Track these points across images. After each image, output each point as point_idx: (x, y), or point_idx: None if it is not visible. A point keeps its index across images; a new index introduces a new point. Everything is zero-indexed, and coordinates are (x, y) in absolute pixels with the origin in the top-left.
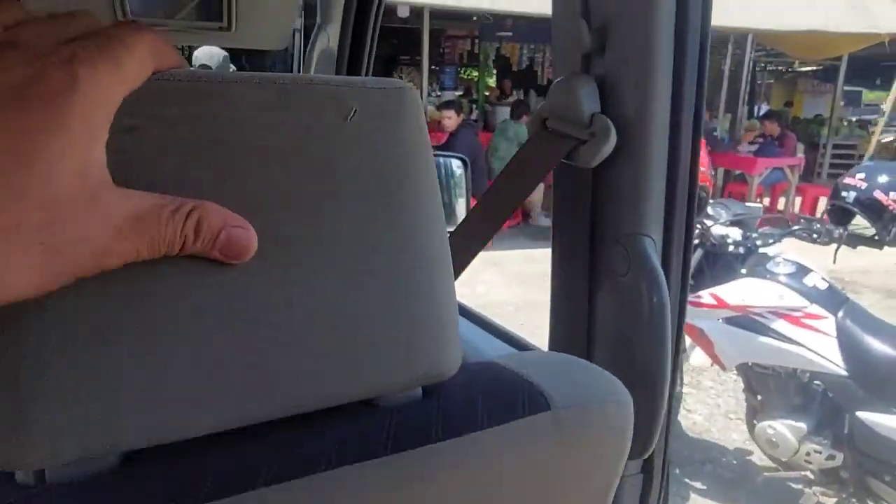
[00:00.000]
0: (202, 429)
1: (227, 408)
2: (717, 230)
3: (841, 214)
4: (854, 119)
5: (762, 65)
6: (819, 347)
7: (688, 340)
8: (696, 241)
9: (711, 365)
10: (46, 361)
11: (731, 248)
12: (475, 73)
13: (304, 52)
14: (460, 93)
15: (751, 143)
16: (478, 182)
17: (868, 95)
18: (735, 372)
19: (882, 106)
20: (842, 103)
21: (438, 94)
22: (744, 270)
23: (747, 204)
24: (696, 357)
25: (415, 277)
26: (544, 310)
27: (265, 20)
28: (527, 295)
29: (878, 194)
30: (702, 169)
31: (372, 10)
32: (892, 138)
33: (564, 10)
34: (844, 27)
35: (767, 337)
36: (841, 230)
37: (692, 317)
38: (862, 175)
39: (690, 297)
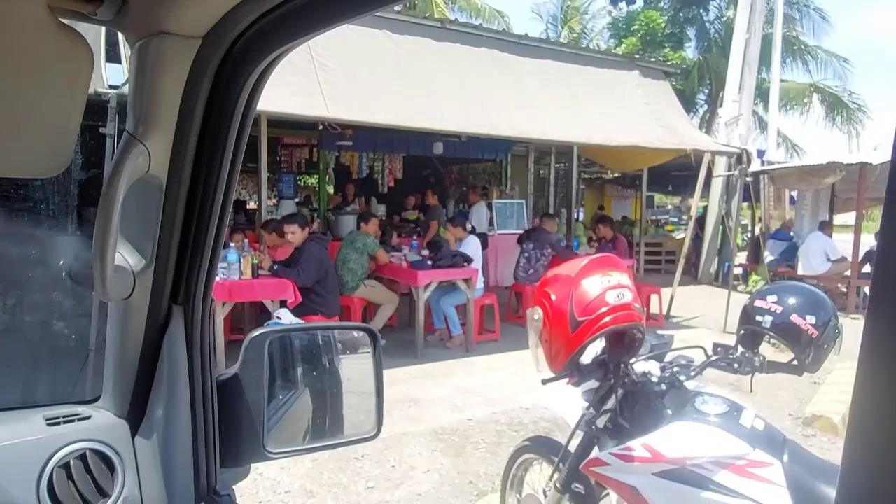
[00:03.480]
0: None
1: None
2: (639, 367)
3: (752, 339)
4: (651, 219)
5: (578, 173)
6: (769, 500)
7: (614, 498)
8: (610, 382)
9: None
10: None
11: (654, 386)
12: (312, 181)
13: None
14: (299, 200)
15: (589, 245)
16: (332, 298)
17: (658, 199)
18: None
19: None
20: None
21: (276, 202)
22: (669, 411)
23: (658, 332)
24: None
25: None
26: None
27: (20, 138)
28: None
29: (795, 318)
30: (636, 305)
31: (233, 118)
32: (682, 236)
33: None
34: (657, 143)
35: (710, 491)
36: (761, 358)
37: (622, 473)
38: (773, 298)
39: (618, 451)
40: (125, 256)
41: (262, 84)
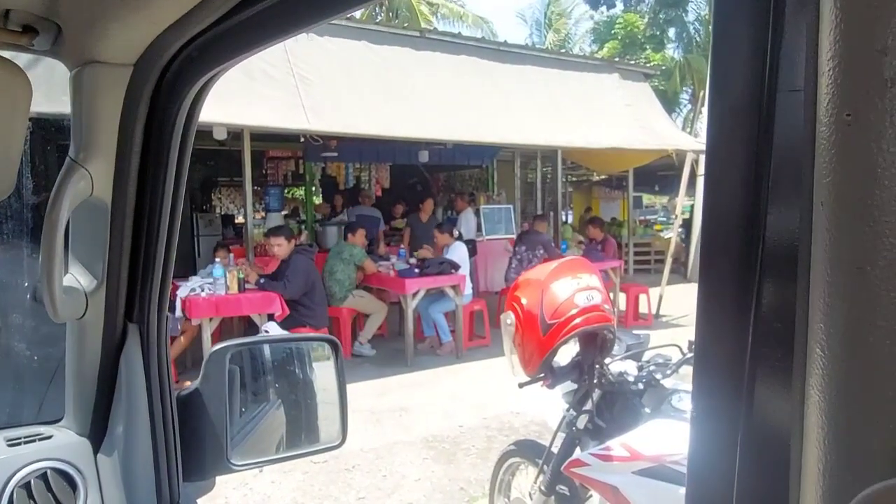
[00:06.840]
0: None
1: None
2: (615, 367)
3: None
4: (641, 219)
5: (564, 176)
6: None
7: (597, 498)
8: (586, 383)
9: None
10: None
11: (632, 385)
12: (300, 193)
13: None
14: (286, 213)
15: (578, 247)
16: (319, 310)
17: (647, 199)
18: None
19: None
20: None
21: (263, 215)
22: (647, 410)
23: (634, 332)
24: None
25: None
26: None
27: None
28: None
29: None
30: (606, 307)
31: (172, 139)
32: (671, 235)
33: None
34: (638, 144)
35: None
36: None
37: (602, 473)
38: None
39: (598, 451)
40: (76, 277)
41: (199, 105)
